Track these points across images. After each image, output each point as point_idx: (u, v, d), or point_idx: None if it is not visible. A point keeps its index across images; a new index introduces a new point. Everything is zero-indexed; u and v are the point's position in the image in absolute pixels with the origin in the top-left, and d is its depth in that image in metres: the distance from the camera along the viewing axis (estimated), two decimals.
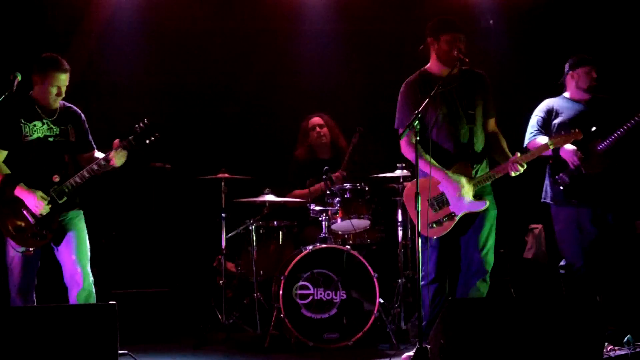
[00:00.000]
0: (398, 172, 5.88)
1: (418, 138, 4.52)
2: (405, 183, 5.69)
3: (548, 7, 6.90)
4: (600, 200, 5.31)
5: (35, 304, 4.73)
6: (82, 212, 4.85)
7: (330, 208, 5.78)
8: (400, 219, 6.00)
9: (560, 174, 5.32)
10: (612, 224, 5.37)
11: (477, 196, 4.72)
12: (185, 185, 6.66)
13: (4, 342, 3.85)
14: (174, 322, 6.03)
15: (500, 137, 4.88)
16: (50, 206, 4.66)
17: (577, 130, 4.80)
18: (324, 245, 5.58)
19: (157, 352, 5.41)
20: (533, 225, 6.92)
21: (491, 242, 4.77)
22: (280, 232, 6.06)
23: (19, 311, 4.28)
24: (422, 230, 4.58)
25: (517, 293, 6.40)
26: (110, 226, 6.63)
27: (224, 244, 5.98)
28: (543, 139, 5.15)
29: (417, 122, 4.44)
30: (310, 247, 5.54)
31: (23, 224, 4.66)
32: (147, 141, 4.72)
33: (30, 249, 4.67)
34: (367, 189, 5.84)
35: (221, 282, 5.94)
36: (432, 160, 4.58)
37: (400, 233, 5.98)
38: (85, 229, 4.83)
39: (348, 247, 5.63)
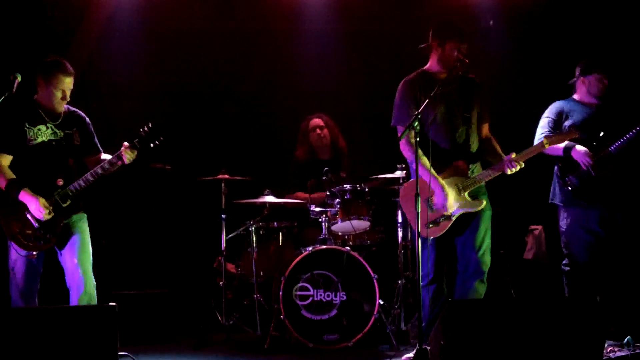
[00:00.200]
0: (398, 173, 5.87)
1: (418, 139, 4.52)
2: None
3: (548, 7, 6.89)
4: (609, 203, 5.35)
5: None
6: (85, 215, 4.85)
7: (330, 209, 5.78)
8: (400, 220, 6.00)
9: (570, 176, 5.36)
10: (621, 226, 5.41)
11: (473, 196, 4.73)
12: (185, 186, 6.66)
13: (5, 343, 3.85)
14: (174, 323, 6.02)
15: (494, 141, 4.92)
16: (53, 210, 4.65)
17: (572, 130, 4.82)
18: (324, 247, 5.58)
19: (157, 353, 5.41)
20: (533, 226, 6.93)
21: (487, 243, 4.78)
22: (280, 233, 6.06)
23: (19, 312, 4.28)
24: (420, 231, 4.62)
25: (517, 294, 6.40)
26: (111, 227, 6.63)
27: (224, 245, 5.98)
28: None
29: (417, 122, 4.46)
30: (310, 248, 5.54)
31: (26, 228, 4.65)
32: (152, 144, 4.72)
33: (34, 253, 4.67)
34: (367, 190, 5.84)
35: (221, 283, 5.94)
36: (432, 170, 4.58)
37: (400, 234, 5.97)
38: (88, 232, 4.82)
39: (348, 248, 5.63)
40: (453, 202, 4.69)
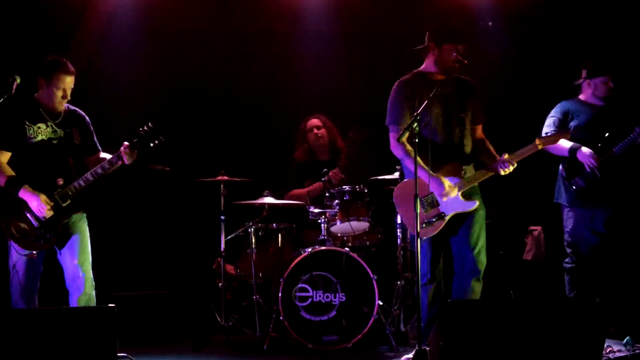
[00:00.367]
0: (397, 174, 5.87)
1: (416, 140, 4.51)
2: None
3: (547, 7, 6.89)
4: (615, 203, 5.36)
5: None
6: (85, 215, 4.85)
7: (329, 210, 5.78)
8: (399, 221, 5.99)
9: (576, 178, 5.40)
10: (625, 227, 5.44)
11: (467, 196, 4.74)
12: (184, 187, 6.65)
13: (4, 344, 3.86)
14: (173, 324, 6.01)
15: (487, 142, 4.93)
16: (53, 210, 4.66)
17: (565, 130, 4.84)
18: (323, 248, 5.58)
19: (156, 355, 5.41)
20: (532, 227, 6.93)
21: (482, 242, 4.79)
22: (280, 235, 6.05)
23: (19, 313, 4.29)
24: (413, 231, 4.63)
25: (516, 295, 6.40)
26: (110, 228, 6.63)
27: (223, 246, 5.97)
28: (560, 141, 5.22)
29: (415, 123, 4.46)
30: (310, 250, 5.54)
31: (26, 227, 4.66)
32: (151, 144, 4.72)
33: (34, 252, 4.67)
34: (366, 191, 5.84)
35: (220, 284, 5.93)
36: (421, 162, 4.59)
37: (399, 235, 5.97)
38: (88, 232, 4.83)
39: (347, 249, 5.62)
40: (447, 202, 4.68)
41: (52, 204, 4.65)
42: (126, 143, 4.67)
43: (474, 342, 4.02)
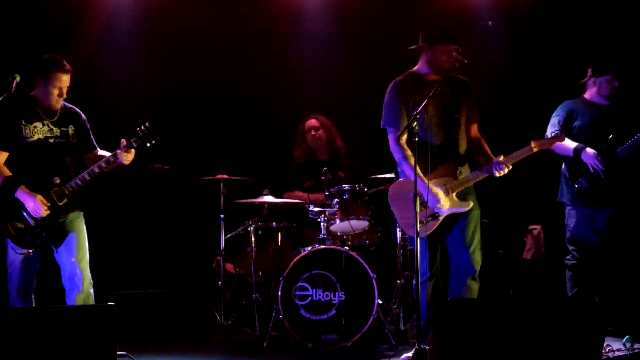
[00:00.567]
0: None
1: (416, 139, 4.51)
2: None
3: (547, 7, 6.90)
4: (618, 204, 5.38)
5: (34, 306, 4.73)
6: (82, 213, 4.86)
7: (328, 209, 5.78)
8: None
9: (580, 179, 5.42)
10: (627, 227, 5.46)
11: (461, 197, 4.74)
12: (184, 186, 6.66)
13: (3, 343, 3.86)
14: (172, 323, 6.02)
15: (483, 141, 4.91)
16: (50, 209, 4.66)
17: (559, 134, 4.84)
18: (322, 247, 5.58)
19: (155, 354, 5.40)
20: (532, 226, 6.94)
21: (477, 241, 4.79)
22: (279, 233, 6.06)
23: (18, 312, 4.29)
24: (407, 230, 4.71)
25: (515, 294, 6.40)
26: (109, 227, 6.64)
27: (222, 245, 5.98)
28: (564, 141, 5.25)
29: (415, 123, 4.46)
30: (309, 248, 5.54)
31: (23, 226, 4.66)
32: (149, 144, 4.72)
33: (30, 251, 4.68)
34: (365, 190, 5.85)
35: (220, 283, 5.93)
36: (420, 172, 4.58)
37: (399, 234, 5.97)
38: (85, 230, 4.83)
39: (347, 248, 5.63)
40: (442, 202, 4.70)
41: (49, 204, 4.65)
42: (123, 141, 4.67)
43: (473, 342, 4.02)
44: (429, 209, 4.69)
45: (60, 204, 4.70)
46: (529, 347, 4.04)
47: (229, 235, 6.05)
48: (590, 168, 5.35)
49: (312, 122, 6.51)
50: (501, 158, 4.70)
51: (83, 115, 4.94)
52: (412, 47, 4.86)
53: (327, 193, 5.87)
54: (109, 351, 3.97)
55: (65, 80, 4.74)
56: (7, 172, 4.67)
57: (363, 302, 5.47)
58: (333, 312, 5.46)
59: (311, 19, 7.11)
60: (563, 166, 5.56)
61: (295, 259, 5.47)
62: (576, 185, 5.44)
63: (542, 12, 6.91)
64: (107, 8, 6.77)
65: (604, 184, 5.37)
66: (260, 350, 5.39)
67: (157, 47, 6.96)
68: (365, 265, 5.49)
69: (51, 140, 4.77)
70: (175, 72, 7.04)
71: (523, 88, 7.01)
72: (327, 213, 5.76)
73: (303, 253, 5.49)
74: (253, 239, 5.89)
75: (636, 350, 4.83)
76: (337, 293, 5.48)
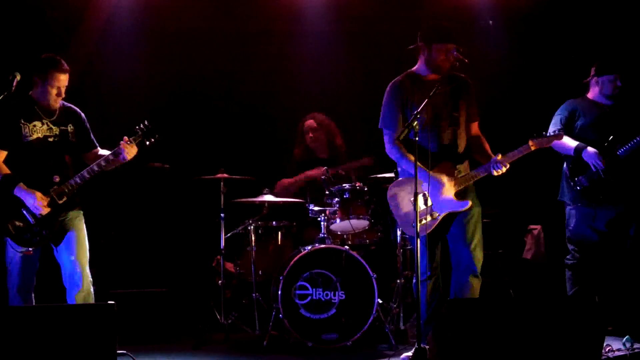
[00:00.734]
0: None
1: (417, 138, 4.51)
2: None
3: (547, 7, 6.90)
4: (618, 204, 5.38)
5: (33, 305, 4.73)
6: (82, 212, 4.86)
7: (329, 208, 5.78)
8: None
9: (580, 177, 5.42)
10: (627, 227, 5.47)
11: (460, 196, 4.74)
12: (184, 185, 6.65)
13: (3, 342, 3.85)
14: (172, 322, 6.02)
15: (483, 140, 4.90)
16: (50, 207, 4.66)
17: (558, 133, 4.84)
18: (322, 246, 5.58)
19: (155, 352, 5.40)
20: (532, 226, 6.94)
21: (478, 238, 4.78)
22: (279, 232, 6.06)
23: (17, 311, 4.28)
24: (406, 229, 4.73)
25: (516, 294, 6.40)
26: (109, 226, 6.64)
27: (222, 244, 5.98)
28: (565, 139, 5.29)
29: (416, 122, 4.46)
30: (309, 248, 5.54)
31: (22, 224, 4.66)
32: (148, 142, 4.73)
33: (30, 249, 4.68)
34: (366, 189, 5.85)
35: (220, 282, 5.93)
36: (414, 159, 4.58)
37: (399, 233, 5.97)
38: (84, 229, 4.83)
39: (347, 247, 5.63)
40: (447, 183, 4.68)
41: (49, 199, 4.66)
42: (126, 138, 4.68)
43: (473, 341, 4.01)
44: (428, 207, 4.69)
45: (60, 202, 4.71)
46: (529, 347, 4.03)
47: (229, 234, 6.05)
48: (592, 167, 5.36)
49: (310, 123, 6.51)
50: (499, 157, 4.70)
51: (82, 114, 4.95)
52: (410, 47, 4.86)
53: (327, 192, 5.87)
54: (109, 350, 3.96)
55: (63, 79, 4.74)
56: (6, 170, 4.68)
57: (363, 301, 5.47)
58: (333, 311, 5.46)
59: (311, 19, 7.11)
60: (565, 165, 5.57)
61: (295, 258, 5.46)
62: (577, 184, 5.45)
63: (543, 12, 6.91)
64: (107, 8, 6.77)
65: (604, 184, 5.37)
66: (260, 349, 5.39)
67: (157, 47, 6.96)
68: (365, 264, 5.49)
69: (50, 140, 4.77)
70: (175, 72, 7.04)
71: (523, 88, 7.02)
72: (327, 212, 5.76)
73: (303, 252, 5.49)
74: (253, 238, 5.90)
75: (636, 350, 4.83)
76: (337, 292, 5.48)
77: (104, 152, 4.85)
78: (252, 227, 5.92)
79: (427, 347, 4.45)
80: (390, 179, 6.00)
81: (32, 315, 3.99)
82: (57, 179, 4.73)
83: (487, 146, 4.87)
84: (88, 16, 6.71)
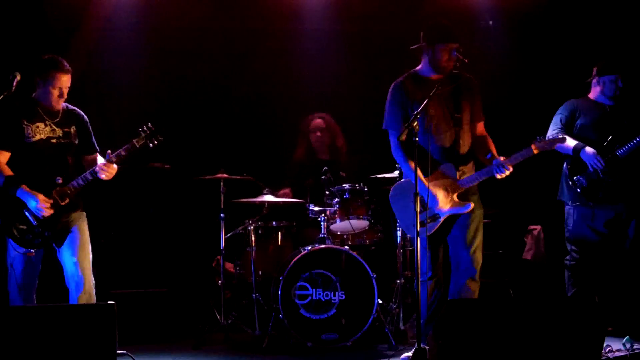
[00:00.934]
0: (397, 173, 5.87)
1: (417, 138, 4.51)
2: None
3: (547, 7, 6.90)
4: (617, 204, 5.39)
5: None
6: (85, 213, 4.86)
7: (329, 208, 5.78)
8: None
9: (579, 177, 5.42)
10: (626, 227, 5.47)
11: (463, 197, 4.73)
12: (184, 185, 6.66)
13: (3, 342, 3.86)
14: (172, 322, 6.02)
15: (489, 140, 4.88)
16: (52, 208, 4.66)
17: (560, 135, 4.85)
18: (322, 246, 5.58)
19: (155, 353, 5.41)
20: (532, 226, 6.94)
21: (478, 241, 4.78)
22: (279, 233, 6.06)
23: (18, 311, 4.27)
24: (408, 231, 4.75)
25: (516, 294, 6.40)
26: (109, 226, 6.64)
27: (222, 244, 5.98)
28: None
29: (416, 122, 4.46)
30: (309, 248, 5.54)
31: (25, 226, 4.66)
32: (151, 144, 4.74)
33: (32, 251, 4.68)
34: (366, 189, 5.85)
35: (220, 282, 5.93)
36: (421, 174, 4.58)
37: (399, 234, 5.97)
38: (87, 231, 4.83)
39: (347, 247, 5.63)
40: (441, 204, 4.70)
41: (52, 201, 4.66)
42: (109, 151, 4.67)
43: (473, 341, 4.02)
44: (429, 209, 4.69)
45: (63, 203, 4.70)
46: (529, 347, 4.03)
47: (229, 235, 6.05)
48: (590, 167, 5.37)
49: (319, 122, 6.51)
50: (502, 159, 4.69)
51: (85, 117, 4.95)
52: (413, 46, 4.86)
53: (327, 192, 5.87)
54: (109, 350, 3.96)
55: (65, 80, 4.74)
56: (9, 172, 4.67)
57: (363, 301, 5.47)
58: (333, 311, 5.46)
59: (311, 18, 7.11)
60: (564, 165, 5.57)
61: (295, 259, 5.46)
62: (576, 184, 5.44)
63: (543, 12, 6.91)
64: (107, 8, 6.77)
65: (603, 183, 5.37)
66: (260, 349, 5.39)
67: (157, 46, 6.96)
68: (365, 264, 5.48)
69: (53, 141, 4.77)
70: (175, 72, 7.04)
71: (523, 88, 7.02)
72: (327, 212, 5.76)
73: (303, 252, 5.49)
74: (253, 238, 5.89)
75: (636, 350, 4.83)
76: (337, 292, 5.48)
77: (101, 159, 4.85)
78: (252, 227, 5.91)
79: (427, 347, 4.44)
80: (390, 179, 6.00)
81: (32, 315, 3.99)
82: (60, 181, 4.73)
83: (493, 147, 4.83)
84: (88, 16, 6.71)
